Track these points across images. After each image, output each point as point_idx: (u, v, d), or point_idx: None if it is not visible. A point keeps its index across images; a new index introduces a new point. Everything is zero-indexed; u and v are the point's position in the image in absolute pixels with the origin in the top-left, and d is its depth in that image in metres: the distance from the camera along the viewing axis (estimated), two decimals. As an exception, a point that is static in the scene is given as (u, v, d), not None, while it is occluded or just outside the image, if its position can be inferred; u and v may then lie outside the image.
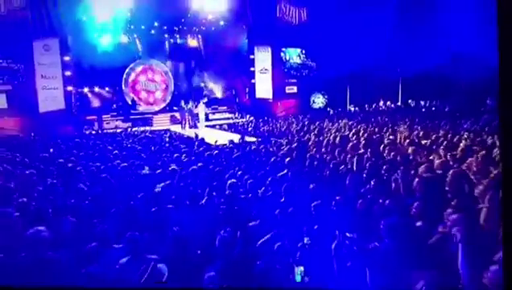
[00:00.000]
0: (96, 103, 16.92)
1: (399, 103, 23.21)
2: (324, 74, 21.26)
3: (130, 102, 17.83)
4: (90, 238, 2.63)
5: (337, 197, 3.03)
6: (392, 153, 5.45)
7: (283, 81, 18.80)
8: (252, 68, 18.06)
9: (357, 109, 22.12)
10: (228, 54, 19.17)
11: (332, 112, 17.21)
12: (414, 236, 2.33)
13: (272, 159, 5.33)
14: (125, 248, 2.31)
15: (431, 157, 5.32)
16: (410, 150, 5.71)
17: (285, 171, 4.29)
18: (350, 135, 7.84)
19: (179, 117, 15.72)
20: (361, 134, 8.23)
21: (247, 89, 18.31)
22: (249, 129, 11.98)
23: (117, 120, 15.63)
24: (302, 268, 1.77)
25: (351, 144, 6.35)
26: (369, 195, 3.55)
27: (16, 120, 13.43)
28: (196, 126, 13.36)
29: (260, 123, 13.51)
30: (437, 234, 2.46)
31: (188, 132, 12.20)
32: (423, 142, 6.67)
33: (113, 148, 6.96)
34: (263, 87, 18.24)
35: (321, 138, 7.73)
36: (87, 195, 3.86)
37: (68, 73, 14.97)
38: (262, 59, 18.07)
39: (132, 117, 15.93)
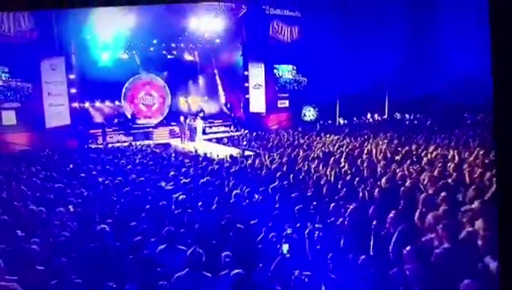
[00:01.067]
0: (98, 118, 17.91)
1: (385, 116, 24.65)
2: (314, 89, 22.69)
3: (129, 116, 18.87)
4: (133, 234, 3.66)
5: (314, 203, 4.11)
6: (365, 166, 6.59)
7: (276, 96, 20.06)
8: (246, 84, 19.25)
9: (345, 121, 23.51)
10: (223, 70, 20.43)
11: (318, 127, 18.46)
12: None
13: (264, 172, 6.44)
14: (163, 240, 3.35)
15: (397, 170, 6.47)
16: (381, 163, 6.86)
17: (276, 182, 5.38)
18: (334, 150, 9.01)
19: (177, 131, 16.75)
20: (343, 148, 9.43)
21: (241, 104, 19.47)
22: (245, 143, 13.06)
23: (119, 134, 16.55)
24: (287, 245, 2.84)
25: (333, 158, 7.50)
26: (341, 201, 4.65)
27: (25, 135, 14.34)
28: (193, 140, 14.35)
29: (254, 137, 14.61)
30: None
31: (187, 146, 13.21)
32: (396, 157, 7.82)
33: (126, 163, 7.96)
34: (257, 101, 19.44)
35: (309, 152, 8.89)
36: (116, 204, 4.88)
37: (73, 91, 15.97)
38: (256, 75, 19.31)
39: (133, 131, 16.85)
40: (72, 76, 15.94)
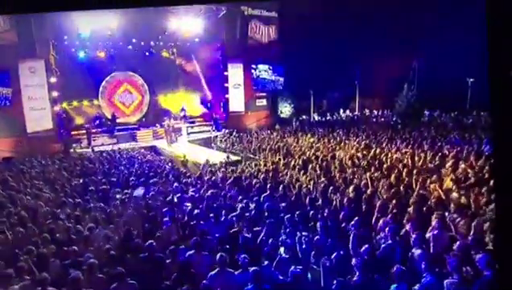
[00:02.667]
0: (80, 120, 18.16)
1: (356, 112, 26.76)
2: (290, 87, 24.20)
3: (109, 116, 19.26)
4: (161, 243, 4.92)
5: (298, 212, 5.55)
6: (338, 174, 8.14)
7: (254, 95, 21.30)
8: (226, 84, 20.29)
9: (320, 118, 25.34)
10: (203, 70, 21.25)
11: (294, 127, 19.99)
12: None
13: (255, 182, 7.80)
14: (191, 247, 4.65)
15: (363, 176, 8.07)
16: (350, 171, 8.46)
17: (267, 192, 6.79)
18: (310, 156, 10.53)
19: (161, 133, 17.58)
20: (319, 152, 11.01)
21: (222, 103, 20.52)
22: (228, 145, 14.30)
23: (103, 136, 17.05)
24: (283, 248, 4.26)
25: (310, 166, 9.02)
26: (320, 210, 6.10)
27: (7, 141, 14.57)
28: (176, 141, 15.29)
29: (235, 139, 15.83)
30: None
31: (174, 149, 14.18)
32: (362, 163, 9.47)
33: (128, 174, 8.97)
34: (236, 101, 20.59)
35: (290, 159, 10.37)
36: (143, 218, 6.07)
37: (54, 94, 16.20)
38: (235, 75, 20.39)
39: (117, 133, 17.38)
40: (52, 80, 16.14)
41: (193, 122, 19.77)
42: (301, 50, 24.77)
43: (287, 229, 5.14)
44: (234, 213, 5.77)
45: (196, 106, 20.83)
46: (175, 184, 7.38)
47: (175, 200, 6.52)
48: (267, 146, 13.23)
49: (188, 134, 17.90)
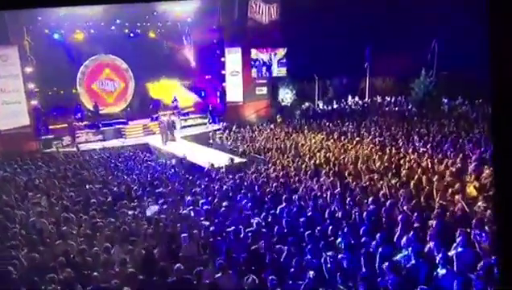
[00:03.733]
0: (60, 115, 18.28)
1: (367, 99, 27.33)
2: (293, 72, 24.56)
3: (90, 107, 19.44)
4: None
5: (318, 228, 6.20)
6: (354, 183, 8.78)
7: (254, 83, 21.70)
8: (223, 71, 20.60)
9: (325, 107, 25.90)
10: (196, 54, 21.48)
11: (298, 117, 20.48)
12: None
13: (267, 191, 8.42)
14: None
15: (379, 183, 8.71)
16: (366, 178, 9.10)
17: (283, 204, 7.42)
18: (321, 158, 11.15)
19: (152, 127, 17.94)
20: (330, 154, 11.63)
21: (218, 93, 20.90)
22: (229, 143, 14.80)
23: (87, 132, 17.33)
24: (312, 272, 4.96)
25: (324, 171, 9.65)
26: (338, 223, 6.74)
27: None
28: (175, 140, 15.70)
29: (236, 135, 16.30)
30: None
31: (170, 148, 14.59)
32: (377, 166, 10.12)
33: (130, 181, 9.46)
34: (234, 90, 20.98)
35: (300, 162, 10.98)
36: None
37: (30, 85, 16.34)
38: (233, 61, 20.70)
39: (103, 129, 17.66)
40: (28, 69, 16.25)
41: (187, 115, 20.11)
42: (305, 30, 25.03)
43: (309, 246, 5.78)
44: (251, 229, 6.38)
45: (188, 96, 21.14)
46: (188, 197, 7.92)
47: (187, 212, 7.09)
48: (273, 145, 13.79)
49: (182, 127, 18.27)
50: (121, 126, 18.30)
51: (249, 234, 6.10)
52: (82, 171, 10.85)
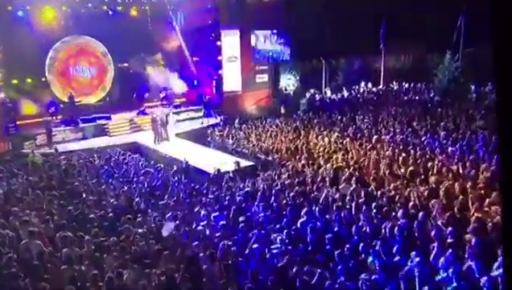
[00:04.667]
0: (31, 108, 18.34)
1: (381, 85, 27.72)
2: (297, 56, 24.82)
3: (63, 98, 19.46)
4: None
5: (347, 246, 6.66)
6: (379, 191, 9.24)
7: (254, 70, 22.00)
8: (219, 57, 20.84)
9: (334, 96, 26.24)
10: (188, 37, 21.54)
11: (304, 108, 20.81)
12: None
13: (285, 201, 8.86)
14: None
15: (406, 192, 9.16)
16: (391, 186, 9.56)
17: (304, 218, 7.85)
18: (340, 161, 11.59)
19: (141, 123, 18.15)
20: (348, 156, 12.07)
21: (214, 82, 21.15)
22: (232, 142, 15.16)
23: (64, 130, 17.44)
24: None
25: (343, 177, 10.09)
26: (367, 239, 7.19)
27: None
28: (168, 139, 15.94)
29: (238, 132, 16.65)
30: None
31: (164, 148, 14.86)
32: (402, 170, 10.57)
33: (127, 191, 9.78)
34: (232, 78, 21.28)
35: (315, 166, 11.41)
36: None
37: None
38: (230, 45, 20.94)
39: (82, 125, 17.77)
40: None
41: (178, 107, 20.30)
42: (310, 8, 25.22)
43: (339, 267, 6.23)
44: (275, 247, 6.80)
45: (178, 85, 21.26)
46: (202, 211, 8.31)
47: (202, 228, 7.49)
48: (282, 144, 14.17)
49: (176, 122, 18.45)
50: (103, 121, 18.40)
51: (275, 253, 6.50)
52: (69, 179, 11.07)
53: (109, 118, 18.63)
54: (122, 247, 6.85)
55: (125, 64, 21.56)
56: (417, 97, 22.68)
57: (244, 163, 12.40)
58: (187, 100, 21.98)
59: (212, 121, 19.26)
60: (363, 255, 6.72)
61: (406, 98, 23.10)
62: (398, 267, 6.31)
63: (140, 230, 7.30)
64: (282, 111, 22.15)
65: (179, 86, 20.98)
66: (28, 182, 11.16)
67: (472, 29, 21.80)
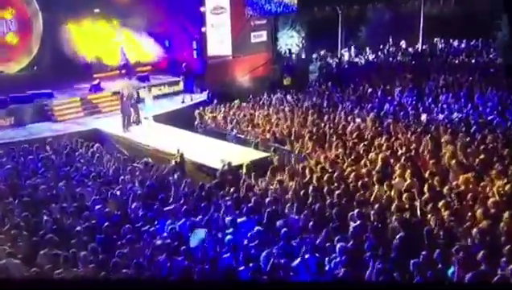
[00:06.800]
0: None
1: (420, 44, 28.47)
2: (305, 4, 25.48)
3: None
4: None
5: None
6: (445, 188, 10.30)
7: (248, 25, 22.72)
8: (201, 8, 21.41)
9: (353, 58, 26.99)
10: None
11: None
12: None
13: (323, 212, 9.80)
14: None
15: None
16: (460, 180, 10.61)
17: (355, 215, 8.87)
18: (386, 149, 12.58)
19: (98, 103, 18.64)
20: (397, 143, 13.07)
21: (194, 42, 21.74)
22: (229, 126, 15.93)
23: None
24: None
25: (398, 172, 11.11)
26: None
27: None
28: (138, 122, 16.50)
29: (236, 113, 17.39)
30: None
31: (140, 138, 15.40)
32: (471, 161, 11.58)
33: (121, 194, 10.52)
34: (218, 38, 21.95)
35: (352, 156, 12.38)
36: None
37: None
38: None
39: (13, 106, 17.82)
40: None
41: (145, 79, 20.68)
42: None
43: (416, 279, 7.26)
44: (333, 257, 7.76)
45: (143, 47, 21.58)
46: (227, 218, 9.05)
47: (229, 237, 8.39)
48: (302, 128, 15.03)
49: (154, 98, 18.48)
50: (44, 99, 18.64)
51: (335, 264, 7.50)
52: (43, 186, 11.08)
53: (51, 96, 18.87)
54: (137, 265, 7.63)
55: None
56: (472, 60, 23.56)
57: (254, 153, 13.38)
58: (156, 68, 22.42)
59: (197, 98, 19.90)
60: (440, 265, 7.74)
61: (456, 61, 24.02)
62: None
63: (159, 242, 8.08)
64: (286, 82, 22.97)
65: (144, 49, 21.43)
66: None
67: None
